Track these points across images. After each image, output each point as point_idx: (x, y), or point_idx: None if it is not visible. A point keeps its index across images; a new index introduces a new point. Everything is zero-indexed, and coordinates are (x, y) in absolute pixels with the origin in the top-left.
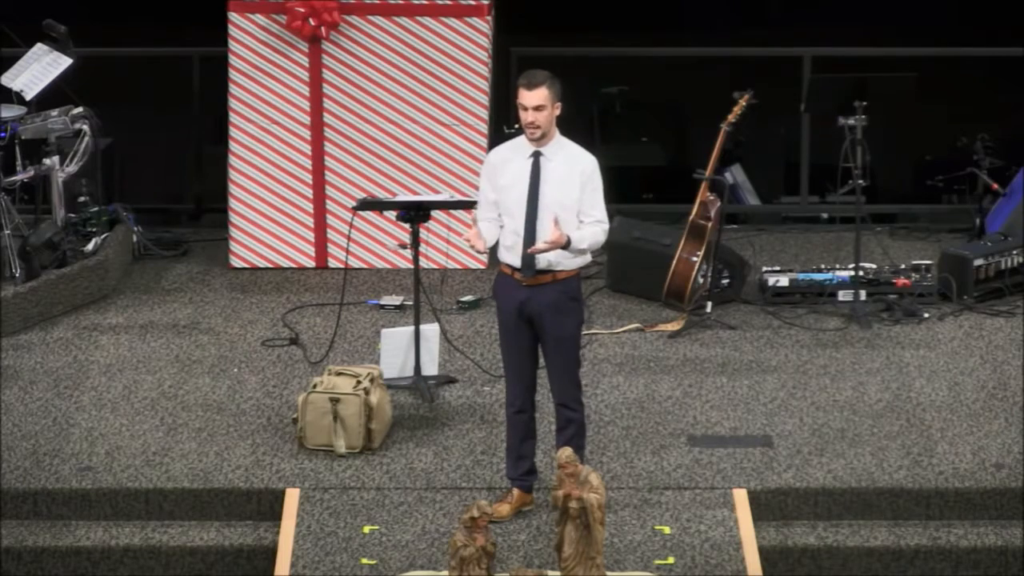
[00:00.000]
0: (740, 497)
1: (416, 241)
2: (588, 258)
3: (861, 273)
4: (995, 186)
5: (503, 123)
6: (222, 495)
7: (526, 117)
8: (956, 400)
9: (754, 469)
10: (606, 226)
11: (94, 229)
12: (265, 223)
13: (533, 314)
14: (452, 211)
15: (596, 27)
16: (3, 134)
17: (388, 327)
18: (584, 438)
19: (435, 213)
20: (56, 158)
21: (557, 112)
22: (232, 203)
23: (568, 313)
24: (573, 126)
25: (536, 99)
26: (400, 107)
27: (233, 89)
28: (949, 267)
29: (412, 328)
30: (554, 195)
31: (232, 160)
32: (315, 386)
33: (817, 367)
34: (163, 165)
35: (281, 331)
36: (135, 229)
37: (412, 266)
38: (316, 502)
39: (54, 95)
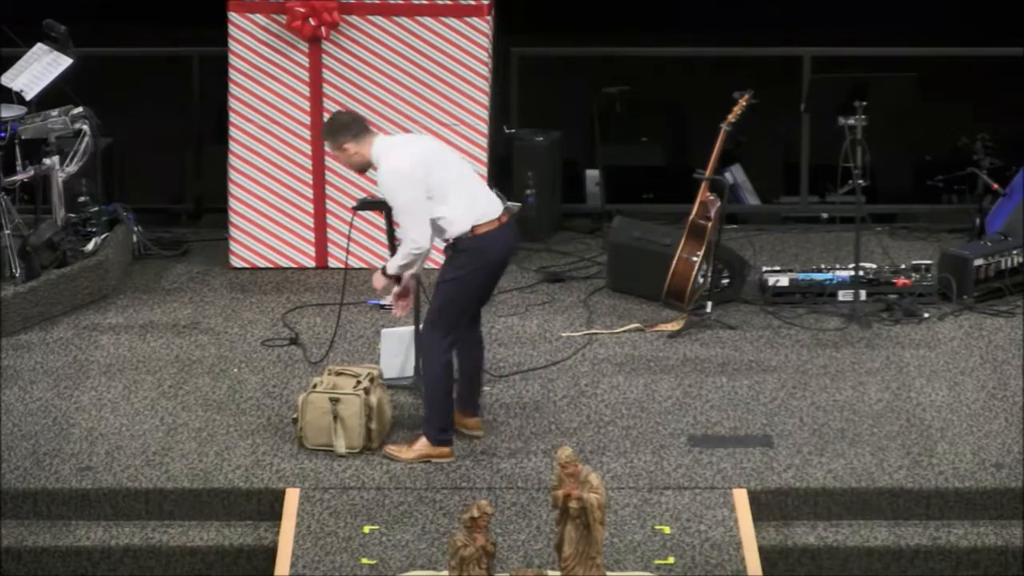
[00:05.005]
0: (740, 497)
1: None
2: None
3: (861, 273)
4: (995, 186)
5: (503, 123)
6: (222, 495)
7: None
8: (956, 400)
9: (754, 469)
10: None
11: (94, 229)
12: (265, 223)
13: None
14: None
15: (596, 27)
16: (3, 134)
17: (388, 327)
18: None
19: None
20: (56, 158)
21: (353, 149)
22: (232, 203)
23: None
24: (573, 126)
25: (328, 150)
26: (400, 107)
27: (233, 89)
28: (949, 267)
29: (412, 328)
30: None
31: (232, 160)
32: (315, 386)
33: (817, 367)
34: (163, 165)
35: (281, 331)
36: (135, 229)
37: None
38: (316, 502)
39: (54, 95)
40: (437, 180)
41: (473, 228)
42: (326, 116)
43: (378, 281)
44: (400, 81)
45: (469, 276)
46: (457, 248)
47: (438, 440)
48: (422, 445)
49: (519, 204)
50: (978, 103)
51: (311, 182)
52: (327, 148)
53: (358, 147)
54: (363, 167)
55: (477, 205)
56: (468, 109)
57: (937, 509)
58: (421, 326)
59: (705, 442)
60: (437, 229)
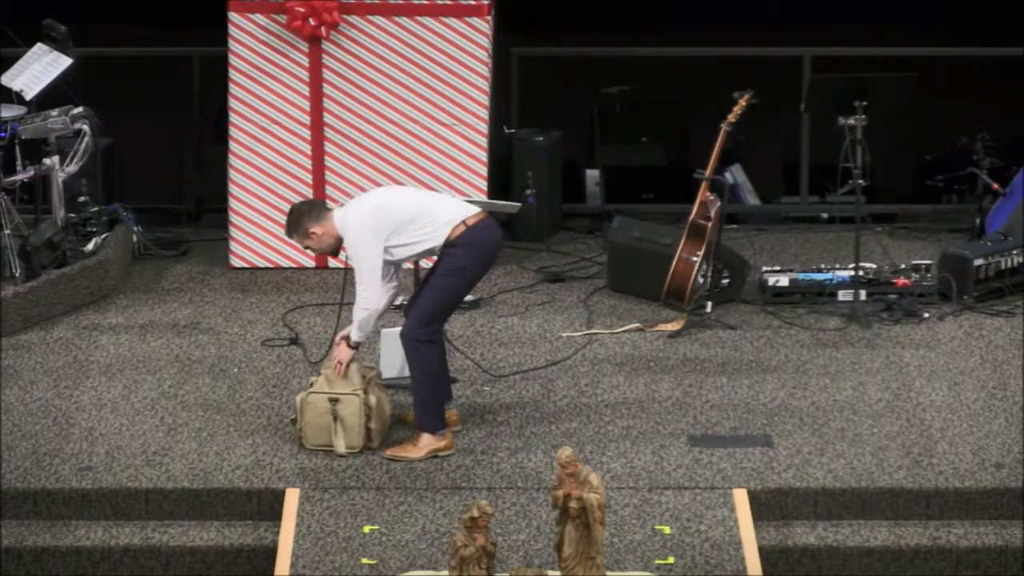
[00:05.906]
0: (740, 497)
1: None
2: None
3: (861, 273)
4: (995, 186)
5: (503, 123)
6: (222, 495)
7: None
8: (956, 400)
9: (754, 469)
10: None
11: (94, 229)
12: (265, 223)
13: None
14: None
15: (596, 27)
16: (3, 134)
17: (388, 327)
18: None
19: None
20: (56, 158)
21: (320, 230)
22: (232, 203)
23: None
24: (574, 126)
25: (298, 243)
26: (400, 107)
27: (233, 89)
28: (949, 267)
29: None
30: None
31: (232, 160)
32: (311, 384)
33: (817, 367)
34: (163, 165)
35: (281, 331)
36: (135, 229)
37: (411, 266)
38: (316, 502)
39: (54, 95)
40: (400, 209)
41: (463, 222)
42: (326, 116)
43: (345, 353)
44: (400, 81)
45: (469, 268)
46: (454, 245)
47: (439, 430)
48: (428, 440)
49: (517, 204)
50: (978, 103)
51: (311, 182)
52: (295, 242)
53: (323, 227)
54: (335, 246)
55: (457, 204)
56: (468, 109)
57: (937, 509)
58: (411, 322)
59: (705, 442)
60: (427, 251)
